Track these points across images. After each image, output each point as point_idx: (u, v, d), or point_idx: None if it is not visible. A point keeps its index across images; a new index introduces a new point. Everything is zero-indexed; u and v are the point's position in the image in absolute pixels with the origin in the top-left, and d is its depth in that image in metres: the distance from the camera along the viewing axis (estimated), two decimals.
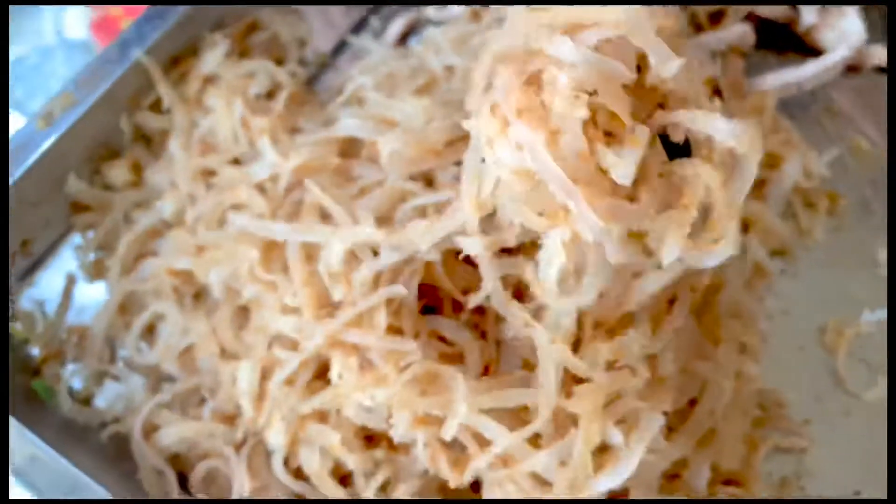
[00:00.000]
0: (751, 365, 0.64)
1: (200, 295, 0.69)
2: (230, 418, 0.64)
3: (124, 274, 0.71)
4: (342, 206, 0.60)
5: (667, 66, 0.45)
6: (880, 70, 0.87)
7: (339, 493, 0.59)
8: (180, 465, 0.65)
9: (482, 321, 0.59)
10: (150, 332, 0.70)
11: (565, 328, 0.53)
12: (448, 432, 0.52)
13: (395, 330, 0.56)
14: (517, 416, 0.54)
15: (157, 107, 0.77)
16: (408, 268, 0.56)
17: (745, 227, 0.74)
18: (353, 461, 0.59)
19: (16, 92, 0.87)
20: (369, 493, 0.59)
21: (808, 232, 0.78)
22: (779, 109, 0.83)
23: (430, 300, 0.60)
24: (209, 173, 0.72)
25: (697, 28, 0.83)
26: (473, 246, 0.53)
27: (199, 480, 0.63)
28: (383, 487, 0.59)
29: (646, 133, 0.46)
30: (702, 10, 0.82)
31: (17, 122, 0.85)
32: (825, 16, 0.85)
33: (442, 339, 0.59)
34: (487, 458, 0.53)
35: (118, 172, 0.75)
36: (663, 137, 0.49)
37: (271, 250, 0.64)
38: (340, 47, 0.86)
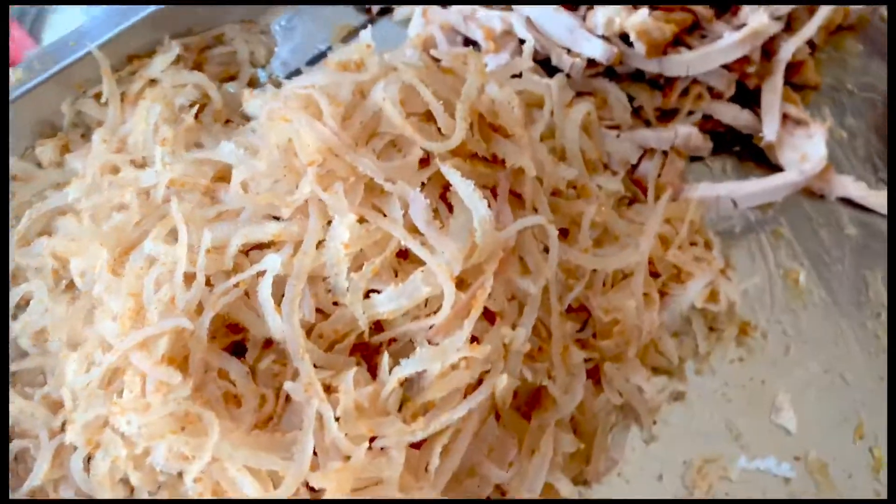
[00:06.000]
0: (564, 483, 0.60)
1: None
2: (57, 405, 0.66)
3: (21, 246, 0.75)
4: (187, 228, 0.61)
5: None
6: (845, 201, 0.81)
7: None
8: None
9: (283, 372, 0.58)
10: (27, 305, 0.74)
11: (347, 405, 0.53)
12: (188, 476, 0.52)
13: (179, 361, 0.56)
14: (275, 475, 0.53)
15: (101, 97, 0.81)
16: (209, 300, 0.56)
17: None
18: (135, 478, 0.59)
19: None
20: None
21: (703, 357, 0.72)
22: (721, 223, 0.79)
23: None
24: (117, 169, 0.75)
25: (646, 124, 0.80)
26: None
27: (12, 458, 0.65)
28: None
29: None
30: (650, 105, 0.78)
31: None
32: (789, 136, 0.79)
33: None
34: None
35: (46, 151, 0.79)
36: None
37: (127, 253, 0.65)
38: (295, 74, 0.87)
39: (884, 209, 0.79)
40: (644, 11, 0.71)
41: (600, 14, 0.72)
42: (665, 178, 0.77)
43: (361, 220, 0.58)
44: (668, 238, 0.72)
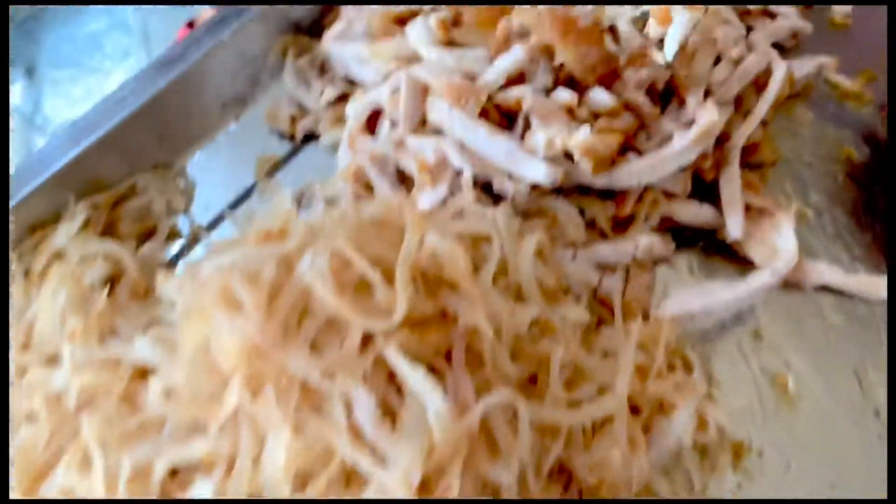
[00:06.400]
0: None
1: None
2: None
3: None
4: (102, 456, 0.53)
5: None
6: (823, 288, 0.76)
7: None
8: None
9: None
10: None
11: None
12: None
13: None
14: None
15: None
16: None
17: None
18: None
19: None
20: None
21: (700, 493, 0.66)
22: (695, 330, 0.73)
23: None
24: (24, 369, 0.66)
25: (601, 235, 0.74)
26: None
27: None
28: None
29: None
30: (603, 217, 0.72)
31: None
32: (756, 229, 0.74)
33: None
34: None
35: None
36: None
37: (39, 481, 0.57)
38: (219, 220, 0.80)
39: (864, 294, 0.74)
40: (586, 129, 0.65)
41: (539, 135, 0.66)
42: (631, 294, 0.72)
43: (299, 429, 0.50)
44: (644, 367, 0.66)
